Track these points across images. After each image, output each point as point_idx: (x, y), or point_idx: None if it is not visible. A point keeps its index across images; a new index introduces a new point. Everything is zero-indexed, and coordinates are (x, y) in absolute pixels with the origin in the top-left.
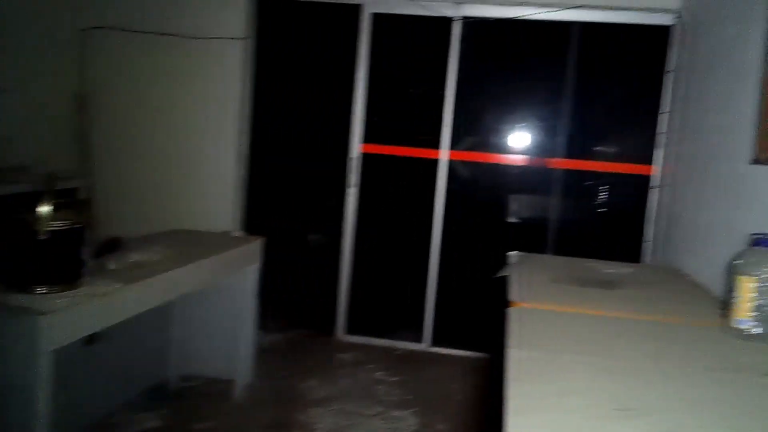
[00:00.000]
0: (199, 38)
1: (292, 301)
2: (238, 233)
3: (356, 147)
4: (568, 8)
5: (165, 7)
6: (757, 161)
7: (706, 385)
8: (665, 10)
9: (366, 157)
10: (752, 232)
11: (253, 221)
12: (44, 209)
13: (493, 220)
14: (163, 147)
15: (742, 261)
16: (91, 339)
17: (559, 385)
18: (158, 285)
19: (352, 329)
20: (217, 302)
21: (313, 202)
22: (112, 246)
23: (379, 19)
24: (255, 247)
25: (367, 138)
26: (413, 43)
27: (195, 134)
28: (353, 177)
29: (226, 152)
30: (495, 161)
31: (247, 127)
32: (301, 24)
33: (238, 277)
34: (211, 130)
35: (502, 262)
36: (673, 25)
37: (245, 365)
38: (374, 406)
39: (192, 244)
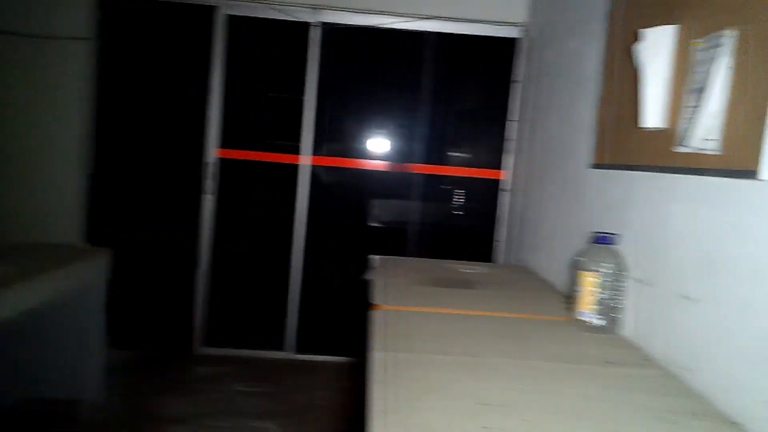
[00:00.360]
0: (38, 37)
1: (145, 315)
2: (83, 245)
3: (212, 152)
4: (422, 19)
5: (2, 4)
6: (594, 165)
7: (556, 376)
8: (512, 24)
9: (224, 163)
10: (592, 231)
11: (100, 232)
12: None
13: (356, 225)
14: (1, 154)
15: (583, 258)
16: None
17: (421, 384)
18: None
19: (210, 341)
20: (61, 319)
21: (167, 210)
22: None
23: (234, 21)
24: (101, 259)
25: (225, 143)
26: (271, 47)
27: (34, 140)
28: (210, 183)
29: (68, 159)
30: (357, 166)
31: (92, 133)
32: (151, 24)
33: (83, 292)
34: (51, 136)
35: (365, 265)
36: (520, 37)
37: (93, 384)
38: (235, 419)
39: (34, 257)
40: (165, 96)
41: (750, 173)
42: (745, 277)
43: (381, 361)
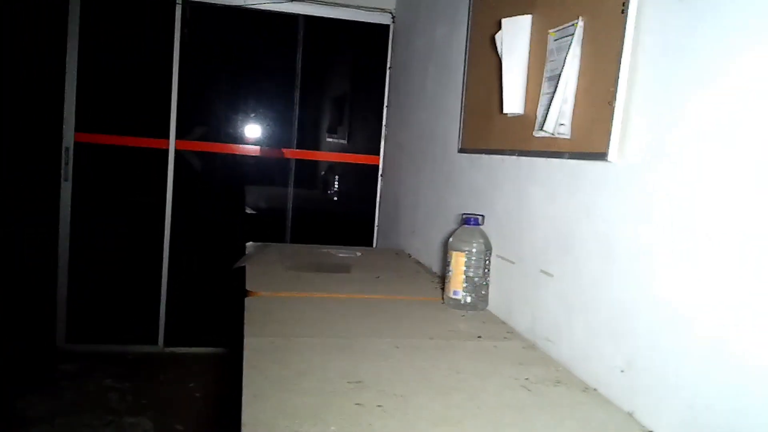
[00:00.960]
0: None
1: (3, 309)
2: None
3: (69, 136)
4: (291, 1)
5: None
6: (462, 150)
7: (428, 353)
8: (382, 10)
9: (82, 147)
10: (461, 213)
11: None
12: None
13: (229, 212)
14: None
15: (454, 238)
16: None
17: (295, 368)
18: None
19: (74, 337)
20: None
21: (20, 199)
22: None
23: None
24: None
25: (83, 127)
26: (134, 24)
27: None
28: (67, 169)
29: None
30: (228, 151)
31: None
32: None
33: None
34: None
35: (239, 254)
36: (390, 24)
37: None
38: (105, 416)
39: None
40: (13, 75)
41: (600, 155)
42: (596, 254)
43: (254, 347)
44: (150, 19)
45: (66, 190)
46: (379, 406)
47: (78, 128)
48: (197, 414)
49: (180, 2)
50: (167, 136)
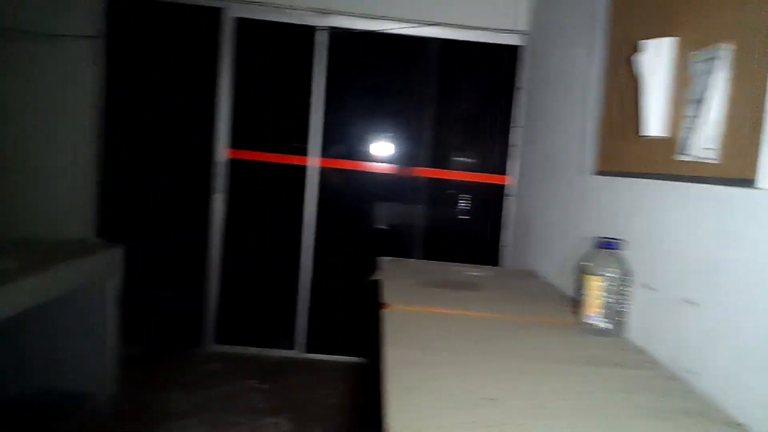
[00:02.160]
0: (48, 35)
1: (157, 312)
2: (95, 241)
3: (222, 152)
4: (427, 25)
5: (6, 3)
6: (597, 173)
7: (563, 376)
8: (514, 31)
9: (234, 163)
10: (597, 236)
11: (112, 229)
12: None
13: (362, 227)
14: (9, 151)
15: (589, 262)
16: None
17: (431, 379)
18: (14, 292)
19: (221, 339)
20: (75, 313)
21: (177, 208)
22: None
23: (242, 23)
24: (114, 255)
25: (235, 144)
26: (280, 50)
27: (43, 136)
28: (220, 183)
29: (78, 157)
30: (364, 169)
31: (102, 131)
32: (159, 25)
33: (97, 287)
34: (61, 134)
35: (372, 267)
36: (522, 45)
37: (107, 378)
38: (246, 414)
39: (48, 252)
40: (175, 96)
41: (747, 182)
42: (744, 282)
43: (392, 357)
44: (295, 46)
45: (218, 201)
46: (509, 424)
47: (230, 145)
48: (332, 419)
49: (323, 29)
50: (309, 154)
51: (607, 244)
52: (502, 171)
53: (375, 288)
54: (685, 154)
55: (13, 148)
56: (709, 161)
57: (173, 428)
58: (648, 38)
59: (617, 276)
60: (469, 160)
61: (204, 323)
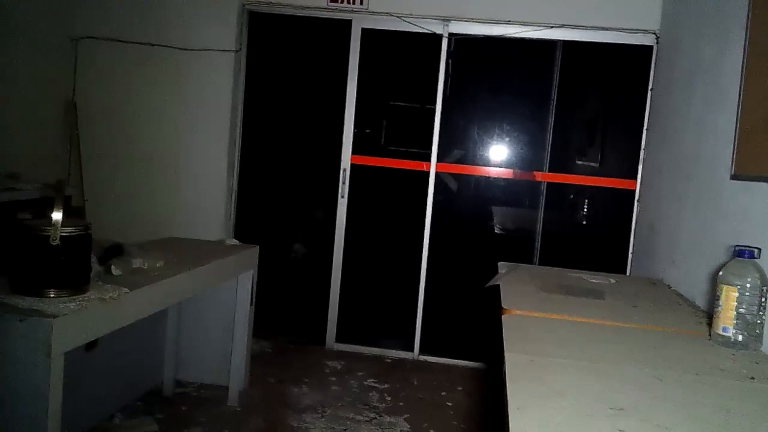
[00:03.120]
0: (191, 50)
1: (283, 310)
2: (232, 241)
3: (347, 158)
4: (551, 27)
5: (157, 18)
6: (736, 177)
7: (693, 388)
8: (645, 31)
9: (356, 169)
10: (734, 244)
11: (245, 230)
12: (57, 215)
13: (481, 231)
14: (154, 156)
15: (724, 271)
16: (90, 345)
17: (554, 386)
18: (161, 290)
19: (342, 338)
20: (212, 309)
21: (304, 211)
22: (115, 252)
23: (368, 34)
24: (251, 254)
25: (358, 150)
26: (403, 58)
27: (186, 145)
28: (344, 188)
29: (217, 162)
30: (482, 174)
31: (239, 138)
32: (292, 38)
33: (233, 285)
34: (202, 141)
35: (490, 272)
36: (652, 45)
37: (239, 371)
38: (366, 412)
39: (190, 252)
40: (305, 105)
41: None
42: None
43: (514, 363)
44: (418, 53)
45: (342, 205)
46: None
47: (354, 151)
48: (449, 422)
49: (446, 36)
50: (429, 159)
51: (744, 252)
52: (630, 175)
53: (493, 293)
54: None
55: (157, 154)
56: None
57: (298, 422)
58: None
59: (754, 286)
60: (594, 164)
61: (327, 322)
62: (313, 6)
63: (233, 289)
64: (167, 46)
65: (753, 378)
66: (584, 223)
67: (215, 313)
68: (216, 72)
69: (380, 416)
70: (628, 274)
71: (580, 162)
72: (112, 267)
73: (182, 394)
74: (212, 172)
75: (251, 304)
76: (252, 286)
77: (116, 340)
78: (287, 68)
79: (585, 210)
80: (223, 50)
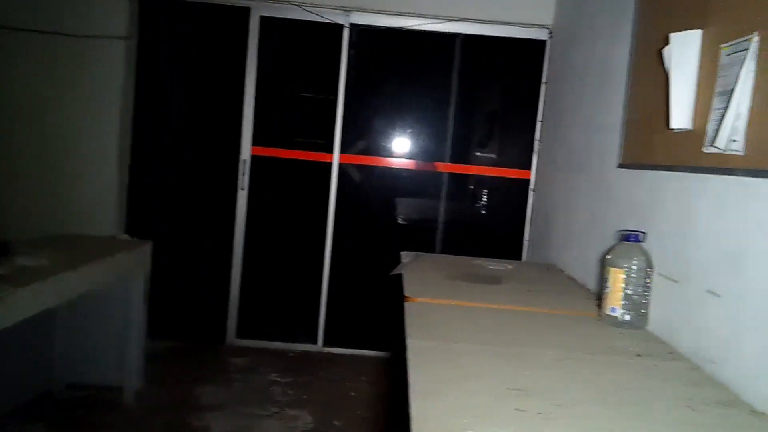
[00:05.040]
0: (80, 36)
1: (181, 307)
2: (125, 237)
3: (247, 149)
4: (451, 21)
5: (44, 4)
6: (622, 165)
7: (586, 366)
8: (540, 26)
9: (257, 160)
10: (620, 229)
11: (139, 225)
12: None
13: (384, 222)
14: (43, 149)
15: (612, 255)
16: None
17: (456, 370)
18: (47, 288)
19: (244, 333)
20: (104, 308)
21: (202, 205)
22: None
23: (268, 22)
24: (143, 251)
25: (258, 141)
26: (303, 47)
27: (77, 137)
28: (244, 180)
29: (108, 154)
30: (385, 165)
31: (130, 129)
32: (188, 25)
33: (125, 282)
34: (92, 132)
35: (393, 262)
36: (547, 39)
37: (135, 372)
38: (269, 407)
39: (80, 248)
40: (202, 95)
41: None
42: None
43: (417, 349)
44: (319, 43)
45: (242, 197)
46: (540, 413)
47: (254, 142)
48: (352, 412)
49: (348, 26)
50: (332, 150)
51: (630, 237)
52: (526, 165)
53: (397, 282)
54: (713, 147)
55: (46, 147)
56: (736, 153)
57: (198, 421)
58: (677, 31)
59: (640, 268)
60: (492, 155)
61: (227, 318)
62: None
63: (126, 286)
64: (58, 33)
65: (640, 355)
66: (483, 212)
67: (108, 312)
68: (107, 60)
69: (283, 410)
70: (524, 260)
71: (479, 153)
72: None
73: (75, 397)
74: (103, 166)
75: (145, 302)
76: (145, 283)
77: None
78: (183, 57)
79: (484, 199)
80: (114, 37)
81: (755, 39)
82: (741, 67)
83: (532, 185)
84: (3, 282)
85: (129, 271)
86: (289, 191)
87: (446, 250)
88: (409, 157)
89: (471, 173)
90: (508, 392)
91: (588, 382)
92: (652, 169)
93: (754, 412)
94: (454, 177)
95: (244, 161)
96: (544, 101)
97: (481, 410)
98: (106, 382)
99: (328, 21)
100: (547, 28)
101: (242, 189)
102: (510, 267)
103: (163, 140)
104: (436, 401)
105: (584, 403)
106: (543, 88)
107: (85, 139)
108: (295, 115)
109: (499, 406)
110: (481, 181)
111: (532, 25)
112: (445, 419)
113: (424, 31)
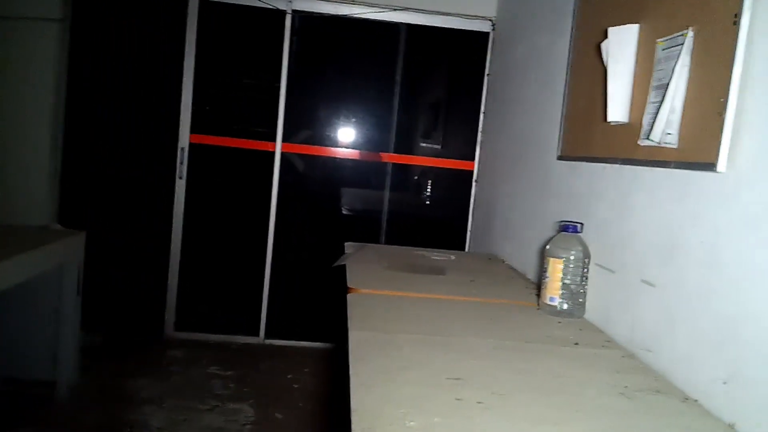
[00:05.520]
0: (10, 18)
1: (118, 299)
2: (57, 227)
3: (185, 137)
4: (394, 10)
5: None
6: (561, 158)
7: (525, 355)
8: (483, 18)
9: (196, 148)
10: (559, 220)
11: (73, 215)
12: None
13: (328, 212)
14: None
15: (551, 245)
16: None
17: (398, 361)
18: None
19: (182, 326)
20: (35, 300)
21: (139, 194)
22: None
23: (208, 6)
24: (75, 241)
25: (198, 129)
26: (245, 33)
27: (6, 123)
28: (182, 168)
29: (39, 142)
30: (329, 155)
31: (62, 116)
32: (123, 8)
33: (57, 274)
34: (22, 119)
35: (337, 253)
36: (490, 31)
37: (68, 366)
38: (210, 401)
39: (8, 238)
40: (138, 79)
41: (708, 165)
42: (701, 263)
43: (358, 340)
44: (260, 29)
45: (180, 187)
46: (479, 402)
47: (193, 130)
48: (296, 404)
49: (290, 12)
50: (274, 139)
51: (567, 227)
52: (469, 157)
53: (340, 273)
54: (648, 140)
55: None
56: (670, 146)
57: (135, 415)
58: (615, 25)
59: (578, 258)
60: (436, 145)
61: (165, 310)
62: None
63: (58, 277)
64: None
65: (577, 343)
66: (427, 202)
67: (40, 304)
68: (38, 43)
69: (223, 404)
70: (467, 250)
71: (423, 144)
72: None
73: (7, 392)
74: (34, 153)
75: (78, 294)
76: (78, 274)
77: None
78: (118, 41)
79: (428, 190)
80: (46, 19)
81: (690, 34)
82: (676, 61)
83: (475, 176)
84: None
85: (61, 263)
86: (230, 180)
87: (391, 240)
88: (354, 146)
89: (415, 164)
90: (448, 382)
91: (525, 371)
92: (590, 162)
93: (686, 399)
94: (399, 167)
95: (183, 149)
96: (487, 93)
97: (420, 400)
98: (40, 377)
99: (270, 6)
100: (490, 20)
101: (180, 178)
102: (453, 257)
103: (98, 127)
104: (375, 392)
105: (522, 392)
106: (486, 79)
107: (17, 127)
108: (236, 102)
109: (439, 395)
110: (426, 172)
111: (476, 17)
112: (384, 410)
113: (369, 20)
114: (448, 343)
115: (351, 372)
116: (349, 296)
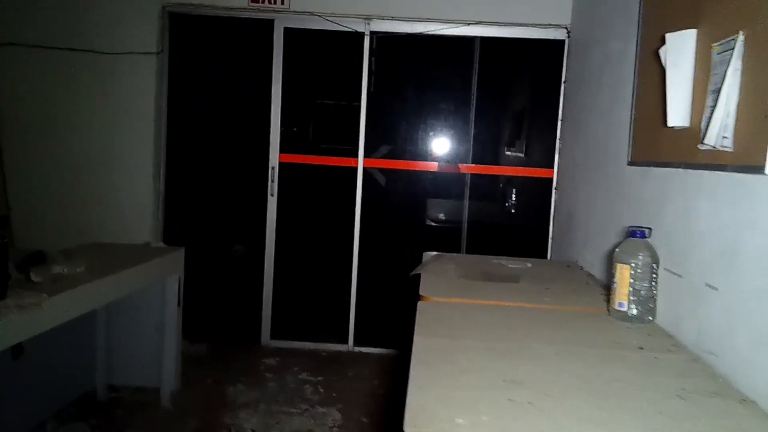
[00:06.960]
0: (112, 53)
1: (217, 310)
2: (158, 244)
3: (275, 157)
4: (469, 24)
5: (76, 23)
6: (631, 163)
7: (587, 360)
8: (557, 26)
9: (285, 167)
10: (627, 225)
11: (174, 232)
12: None
13: (410, 223)
14: (80, 163)
15: (619, 251)
16: (17, 353)
17: (458, 366)
18: (82, 295)
19: (277, 334)
20: (141, 312)
21: (234, 211)
22: (35, 259)
23: (291, 33)
24: (176, 257)
25: (286, 148)
26: (326, 56)
27: (111, 150)
28: (273, 186)
29: (143, 166)
30: (409, 168)
31: (164, 140)
32: (215, 39)
33: (160, 287)
34: (127, 145)
35: (419, 262)
36: (565, 39)
37: (171, 373)
38: (300, 405)
39: (113, 256)
40: (230, 105)
41: (758, 168)
42: (761, 267)
43: (422, 346)
44: (341, 52)
45: (272, 203)
46: (529, 402)
47: (282, 150)
48: (380, 408)
49: (368, 34)
50: (356, 155)
51: (636, 233)
52: (549, 164)
53: (417, 282)
54: (706, 144)
55: (85, 162)
56: (726, 150)
57: (232, 419)
58: (675, 30)
59: (645, 263)
60: (518, 154)
61: (261, 320)
62: (234, 6)
63: (162, 291)
64: (89, 50)
65: (642, 348)
66: (507, 211)
67: (145, 317)
68: (139, 75)
69: (313, 408)
70: (548, 258)
71: (506, 153)
72: (32, 274)
73: (116, 398)
74: (139, 177)
75: (179, 305)
76: (179, 287)
77: (44, 347)
78: (211, 69)
79: (507, 199)
80: (145, 53)
81: (740, 38)
82: (728, 65)
83: (554, 183)
84: (39, 290)
85: (162, 276)
86: (317, 196)
87: (472, 250)
88: (432, 159)
89: (493, 174)
90: (504, 384)
91: (584, 375)
92: (657, 166)
93: (743, 400)
94: (478, 178)
95: (273, 168)
96: (565, 100)
97: (473, 401)
98: (147, 384)
99: (349, 30)
100: (565, 28)
101: (272, 195)
102: (529, 265)
103: (196, 151)
104: (431, 393)
105: (576, 394)
106: (563, 87)
107: (122, 152)
108: (320, 122)
109: (492, 396)
110: (507, 181)
111: (550, 26)
112: (437, 408)
113: (444, 35)
114: (511, 349)
115: (410, 375)
116: (419, 304)
